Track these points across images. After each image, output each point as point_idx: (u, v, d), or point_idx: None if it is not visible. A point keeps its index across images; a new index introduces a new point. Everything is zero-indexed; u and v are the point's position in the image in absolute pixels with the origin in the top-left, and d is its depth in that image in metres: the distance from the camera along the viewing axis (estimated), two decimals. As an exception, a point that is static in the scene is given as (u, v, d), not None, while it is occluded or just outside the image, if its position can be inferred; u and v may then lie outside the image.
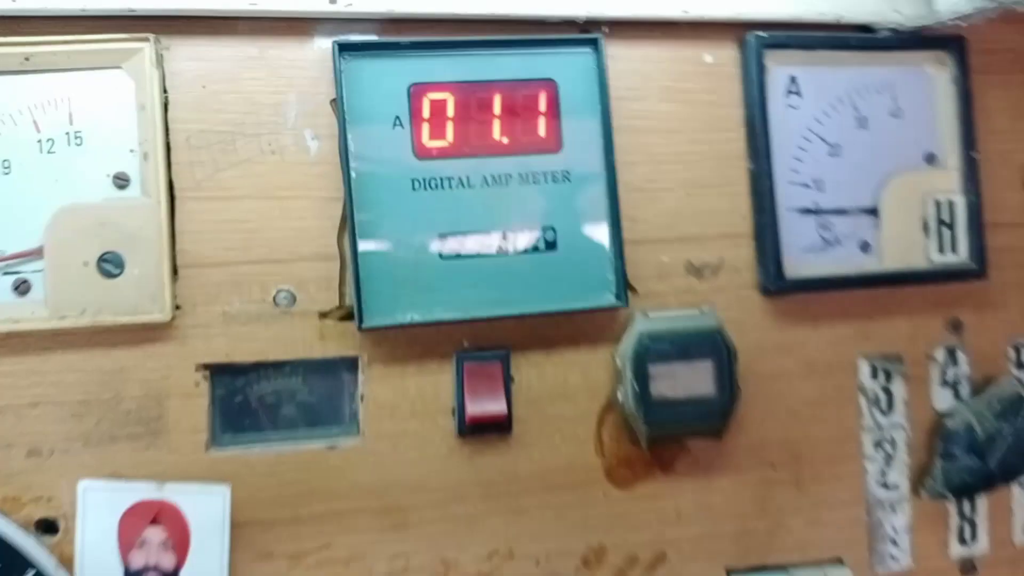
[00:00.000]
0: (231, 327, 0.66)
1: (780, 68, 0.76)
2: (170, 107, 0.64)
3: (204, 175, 0.65)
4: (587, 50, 0.72)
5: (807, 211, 0.77)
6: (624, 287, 0.71)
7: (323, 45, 0.67)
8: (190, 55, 0.65)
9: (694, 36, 0.75)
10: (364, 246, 0.67)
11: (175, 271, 0.64)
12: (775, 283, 0.75)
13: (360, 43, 0.66)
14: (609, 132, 0.71)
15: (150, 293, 0.63)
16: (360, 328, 0.65)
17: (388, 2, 0.66)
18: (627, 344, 0.72)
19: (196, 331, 0.65)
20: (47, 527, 0.62)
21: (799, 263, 0.76)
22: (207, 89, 0.65)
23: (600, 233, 0.72)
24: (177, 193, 0.65)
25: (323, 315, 0.67)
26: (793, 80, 0.77)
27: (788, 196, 0.76)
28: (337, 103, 0.65)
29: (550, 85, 0.71)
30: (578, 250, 0.71)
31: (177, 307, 0.65)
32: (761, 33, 0.75)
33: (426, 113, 0.68)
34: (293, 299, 0.67)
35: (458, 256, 0.69)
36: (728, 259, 0.76)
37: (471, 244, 0.69)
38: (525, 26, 0.71)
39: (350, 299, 0.66)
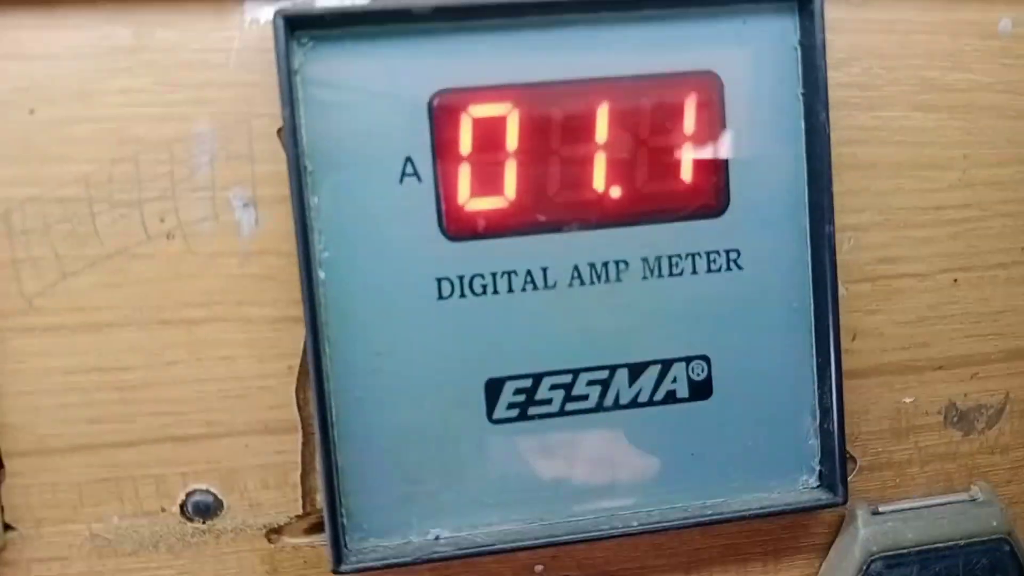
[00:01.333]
0: (106, 561, 0.35)
1: None
2: (-30, 154, 0.33)
3: (39, 285, 0.34)
4: (784, 12, 0.36)
5: None
6: (839, 462, 0.37)
7: (259, 18, 0.34)
8: (2, 50, 0.33)
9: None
10: (346, 408, 0.35)
11: (-1, 463, 0.34)
12: None
13: (332, 13, 0.33)
14: (823, 170, 0.36)
15: (-49, 507, 0.33)
16: (338, 565, 0.34)
17: (385, -73, 0.33)
18: (842, 569, 0.38)
19: (43, 569, 0.35)
20: None
21: None
22: (39, 117, 0.33)
23: (796, 362, 0.38)
24: (-11, 321, 0.34)
25: (274, 532, 0.36)
26: None
27: None
28: (287, 136, 0.32)
29: (707, 83, 0.36)
30: (751, 396, 0.38)
31: (8, 528, 0.35)
32: None
33: (465, 147, 0.35)
34: (218, 505, 0.36)
35: (524, 417, 0.36)
36: (1017, 396, 0.41)
37: (548, 394, 0.37)
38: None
39: (321, 502, 0.35)
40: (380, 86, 0.34)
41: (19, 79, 0.33)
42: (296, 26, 0.33)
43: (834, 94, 0.36)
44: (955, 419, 0.41)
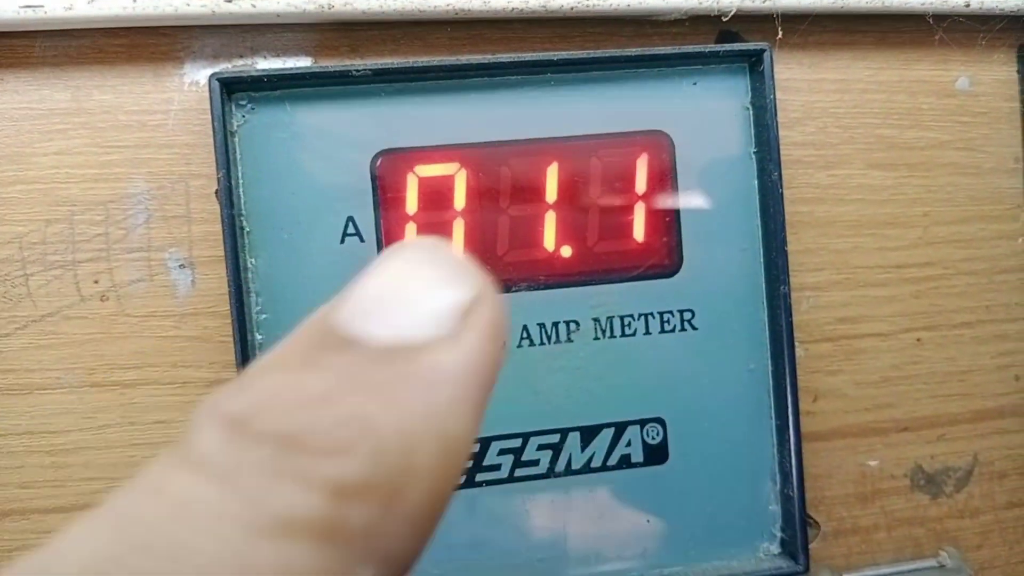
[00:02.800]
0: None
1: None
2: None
3: (-33, 348, 0.33)
4: (735, 73, 0.36)
5: None
6: (800, 528, 0.36)
7: (199, 80, 0.34)
8: (-64, 109, 0.33)
9: (935, 44, 0.38)
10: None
11: (-78, 531, 0.33)
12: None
13: (271, 75, 0.32)
14: (777, 229, 0.35)
15: None
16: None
17: (326, -12, 0.32)
18: (804, 643, 0.37)
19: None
20: None
21: None
22: (-29, 176, 0.33)
23: (754, 425, 0.37)
24: (-85, 385, 0.33)
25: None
26: None
27: None
28: (222, 196, 0.32)
29: (658, 143, 0.36)
30: (709, 460, 0.37)
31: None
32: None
33: (411, 207, 0.34)
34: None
35: (470, 484, 0.35)
36: (985, 458, 0.40)
37: (497, 459, 0.35)
38: (602, 30, 0.36)
39: None
40: (322, 147, 0.33)
41: (-47, 139, 0.33)
42: (234, 89, 0.32)
43: (789, 153, 0.36)
44: (922, 482, 0.40)
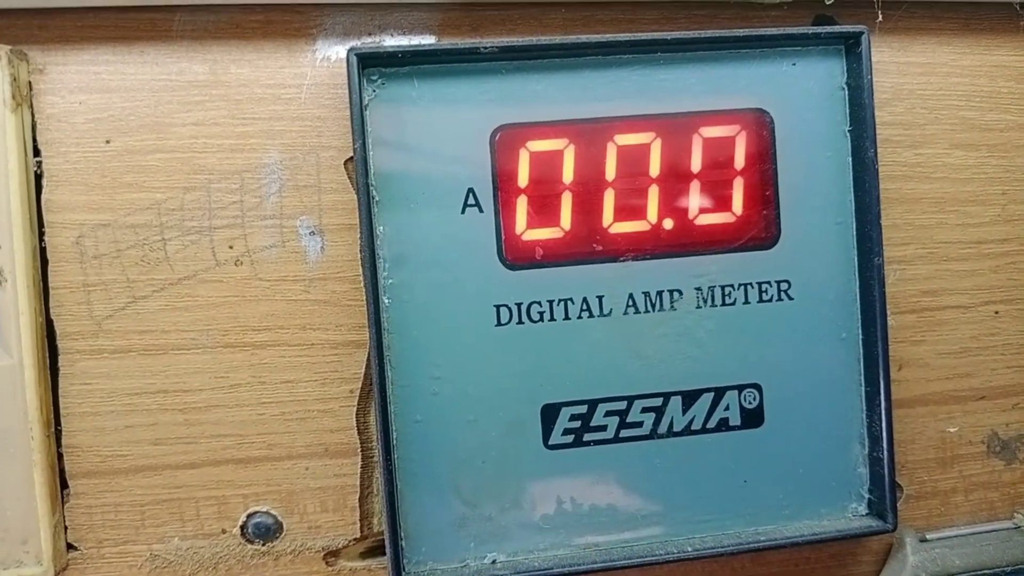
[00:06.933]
0: (165, 584, 0.36)
1: None
2: (45, 184, 0.34)
3: (109, 308, 0.35)
4: (832, 55, 0.38)
5: None
6: (889, 490, 0.37)
7: (331, 56, 0.35)
8: (81, 83, 0.34)
9: (1016, 31, 0.40)
10: (406, 432, 0.35)
11: (63, 484, 0.35)
12: None
13: (404, 51, 0.34)
14: (872, 203, 0.37)
15: (17, 529, 0.34)
16: (399, 591, 0.34)
17: (454, -31, 0.34)
18: (890, 599, 0.39)
19: (102, 592, 0.35)
20: None
21: None
22: (114, 146, 0.34)
23: (845, 391, 0.38)
24: (60, 344, 0.35)
25: (331, 555, 0.37)
26: None
27: None
28: (357, 166, 0.33)
29: (758, 121, 0.37)
30: (802, 424, 0.38)
31: (71, 548, 0.35)
32: None
33: (523, 179, 0.36)
34: (278, 527, 0.36)
35: (579, 443, 0.37)
36: (1061, 425, 0.42)
37: (603, 420, 0.37)
38: (706, 12, 0.38)
39: (379, 525, 0.35)
40: (445, 121, 0.35)
41: (97, 111, 0.34)
42: (368, 63, 0.34)
43: (879, 132, 0.37)
44: (997, 448, 0.42)
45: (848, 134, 0.38)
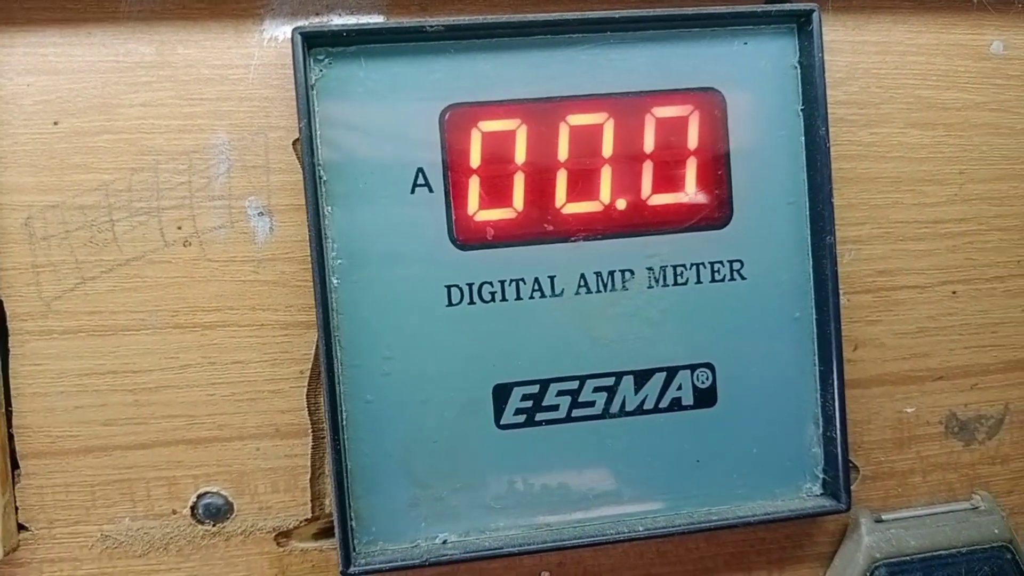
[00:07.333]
0: (116, 562, 0.36)
1: None
2: (-5, 162, 0.34)
3: (58, 289, 0.35)
4: (784, 34, 0.37)
5: None
6: (843, 470, 0.37)
7: (278, 36, 0.35)
8: (29, 65, 0.34)
9: (971, 9, 0.40)
10: (356, 412, 0.35)
11: (14, 465, 0.35)
12: None
13: (349, 30, 0.34)
14: (824, 182, 0.37)
15: (-34, 509, 0.34)
16: (347, 567, 0.34)
17: (400, -52, 0.34)
18: (846, 575, 0.39)
19: (54, 570, 0.35)
20: None
21: None
22: (62, 128, 0.34)
23: (799, 370, 0.38)
24: (10, 325, 0.35)
25: (283, 535, 0.37)
26: None
27: None
28: (303, 146, 0.33)
29: (710, 100, 0.37)
30: (755, 404, 0.38)
31: (22, 529, 0.35)
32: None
33: (475, 159, 0.36)
34: (228, 508, 0.36)
35: (531, 422, 0.37)
36: (1017, 407, 0.42)
37: (555, 400, 0.37)
38: (661, -13, 0.38)
39: (330, 506, 0.36)
40: (394, 100, 0.35)
41: (44, 92, 0.34)
42: (314, 43, 0.34)
43: (832, 112, 0.37)
44: (956, 429, 0.42)
45: (800, 113, 0.37)
